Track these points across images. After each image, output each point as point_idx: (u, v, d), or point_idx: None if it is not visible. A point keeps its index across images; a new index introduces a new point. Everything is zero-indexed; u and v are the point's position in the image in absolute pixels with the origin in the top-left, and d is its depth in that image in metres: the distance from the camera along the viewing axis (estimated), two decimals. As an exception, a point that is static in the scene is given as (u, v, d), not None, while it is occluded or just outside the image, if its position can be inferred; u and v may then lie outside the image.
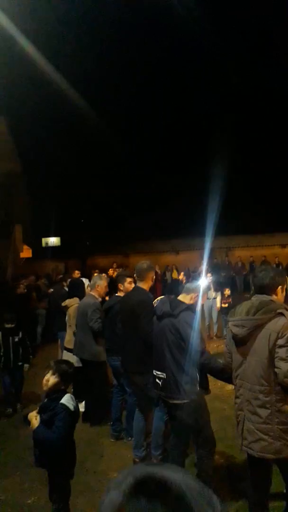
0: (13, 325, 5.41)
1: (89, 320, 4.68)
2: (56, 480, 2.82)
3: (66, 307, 5.69)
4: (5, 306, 6.43)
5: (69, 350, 5.36)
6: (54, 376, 2.73)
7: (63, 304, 5.86)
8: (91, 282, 5.18)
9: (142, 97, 18.78)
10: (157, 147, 20.50)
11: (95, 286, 4.97)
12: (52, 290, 9.81)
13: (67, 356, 5.28)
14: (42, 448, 2.70)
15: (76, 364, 5.08)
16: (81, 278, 6.93)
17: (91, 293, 5.02)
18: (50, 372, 2.76)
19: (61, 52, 11.09)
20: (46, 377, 2.76)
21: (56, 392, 2.74)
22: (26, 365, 5.59)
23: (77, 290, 5.81)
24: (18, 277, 8.65)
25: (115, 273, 9.52)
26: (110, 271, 9.40)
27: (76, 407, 2.77)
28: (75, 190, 21.28)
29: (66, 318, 5.76)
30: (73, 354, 5.07)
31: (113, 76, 15.80)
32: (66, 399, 2.70)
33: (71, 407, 2.69)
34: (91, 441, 4.59)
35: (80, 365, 4.96)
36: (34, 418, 2.67)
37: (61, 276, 10.89)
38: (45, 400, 2.78)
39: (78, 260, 19.04)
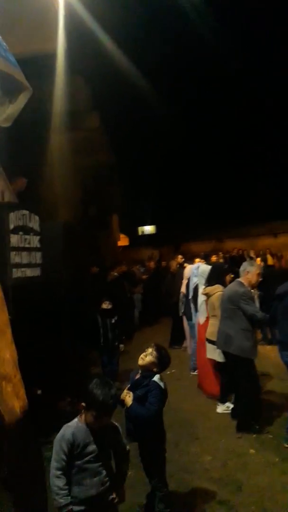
0: (109, 307, 5.72)
1: (246, 311, 4.28)
2: (150, 452, 2.95)
3: (208, 295, 5.23)
4: (102, 292, 6.82)
5: (213, 342, 4.91)
6: (152, 356, 2.87)
7: (203, 292, 5.42)
8: (241, 268, 4.65)
9: (230, 83, 18.02)
10: (249, 130, 19.57)
11: (245, 273, 4.50)
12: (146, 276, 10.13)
13: (211, 348, 5.01)
14: (136, 423, 2.86)
15: (219, 359, 4.86)
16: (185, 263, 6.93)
17: (239, 280, 4.56)
18: (150, 350, 2.90)
19: (143, 48, 11.27)
20: (145, 353, 2.91)
21: (149, 371, 2.88)
22: (121, 345, 5.88)
23: (218, 276, 5.27)
24: (115, 265, 9.08)
25: (219, 260, 9.39)
26: (213, 258, 9.16)
27: (165, 386, 2.88)
28: (169, 179, 21.45)
29: (201, 306, 5.47)
30: (217, 347, 4.75)
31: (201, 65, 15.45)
32: (157, 378, 2.85)
33: (162, 385, 2.85)
34: (186, 422, 4.67)
35: (223, 360, 4.72)
36: (128, 396, 2.83)
37: (154, 261, 11.16)
38: (136, 377, 2.92)
39: (172, 247, 19.22)
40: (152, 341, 7.26)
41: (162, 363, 2.87)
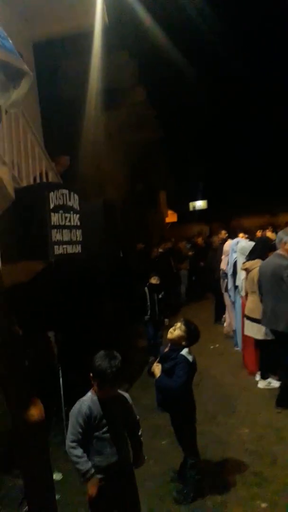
0: (158, 283, 5.84)
1: None
2: (179, 423, 3.06)
3: (247, 270, 5.05)
4: (150, 267, 6.93)
5: (252, 319, 4.80)
6: (180, 330, 2.94)
7: (243, 267, 5.25)
8: (276, 239, 4.39)
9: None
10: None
11: (282, 244, 4.26)
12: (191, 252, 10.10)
13: (249, 325, 4.92)
14: (164, 394, 2.98)
15: (258, 337, 4.78)
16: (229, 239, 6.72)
17: (278, 252, 4.33)
18: (179, 324, 2.97)
19: (187, 19, 10.81)
20: (174, 327, 2.99)
21: (177, 345, 2.95)
22: (166, 320, 5.98)
23: (262, 251, 4.95)
24: (160, 241, 9.13)
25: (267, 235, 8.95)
26: (258, 233, 8.70)
27: (194, 360, 2.93)
28: (220, 152, 20.79)
29: (242, 282, 5.30)
30: (263, 325, 4.53)
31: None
32: (185, 352, 2.91)
33: (190, 358, 2.90)
34: (226, 396, 4.73)
35: (270, 337, 4.51)
36: (157, 368, 2.95)
37: (203, 237, 11.06)
38: (165, 350, 3.01)
39: (222, 222, 18.81)
40: (197, 317, 7.38)
41: (190, 337, 2.92)
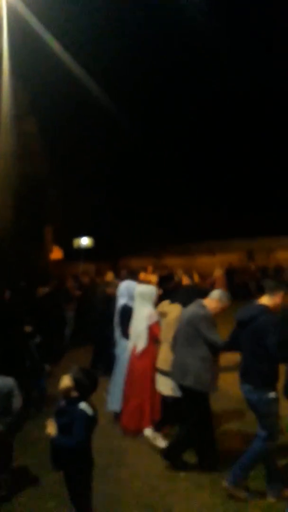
0: (29, 331, 5.32)
1: (206, 335, 3.75)
2: (75, 482, 2.74)
3: (164, 314, 4.57)
4: (26, 309, 6.30)
5: (164, 373, 4.29)
6: (68, 380, 2.70)
7: (159, 309, 4.69)
8: (212, 293, 4.01)
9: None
10: (189, 145, 20.03)
11: (212, 298, 3.94)
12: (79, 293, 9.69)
13: (162, 380, 4.36)
14: (61, 452, 2.67)
15: (170, 393, 4.26)
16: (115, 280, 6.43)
17: (201, 301, 3.99)
18: (69, 374, 2.72)
19: (85, 48, 10.98)
20: (63, 377, 2.74)
21: (70, 396, 2.69)
22: (46, 366, 5.50)
23: (188, 298, 4.33)
24: (47, 279, 8.58)
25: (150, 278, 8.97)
26: (142, 276, 8.56)
27: (94, 414, 2.70)
28: (107, 191, 21.23)
29: (142, 331, 4.60)
30: (174, 380, 4.07)
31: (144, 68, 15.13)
32: (84, 405, 2.68)
33: (89, 412, 2.67)
34: (115, 449, 4.44)
35: (177, 395, 4.08)
36: (51, 426, 2.65)
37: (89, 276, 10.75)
38: (62, 403, 2.73)
39: (109, 262, 18.94)
40: (85, 363, 6.88)
41: (80, 388, 2.67)
